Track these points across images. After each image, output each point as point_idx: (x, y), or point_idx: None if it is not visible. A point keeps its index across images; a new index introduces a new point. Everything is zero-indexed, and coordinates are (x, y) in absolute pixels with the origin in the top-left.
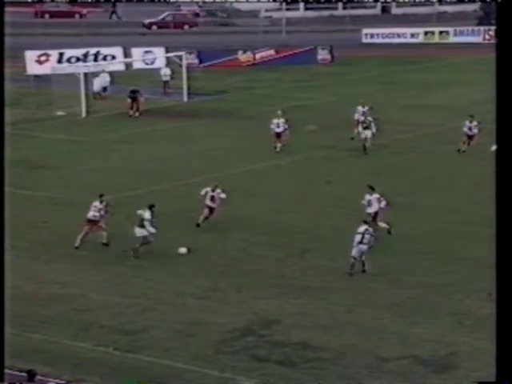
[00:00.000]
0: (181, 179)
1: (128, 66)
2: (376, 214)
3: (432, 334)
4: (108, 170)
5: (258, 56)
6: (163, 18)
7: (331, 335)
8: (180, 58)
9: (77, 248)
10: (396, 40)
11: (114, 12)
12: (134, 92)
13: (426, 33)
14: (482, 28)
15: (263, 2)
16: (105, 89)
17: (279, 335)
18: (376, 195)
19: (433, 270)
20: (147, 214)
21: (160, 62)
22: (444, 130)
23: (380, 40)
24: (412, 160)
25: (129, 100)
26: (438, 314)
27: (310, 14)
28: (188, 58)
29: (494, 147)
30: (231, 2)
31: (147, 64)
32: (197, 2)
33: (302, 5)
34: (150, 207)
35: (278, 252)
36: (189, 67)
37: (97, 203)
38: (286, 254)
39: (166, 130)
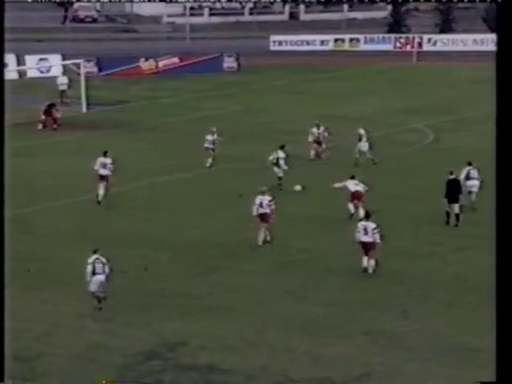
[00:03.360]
0: (80, 195)
1: (21, 74)
2: None
3: (344, 354)
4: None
5: (160, 64)
6: None
7: (239, 357)
8: (78, 65)
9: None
10: (305, 47)
11: (66, 17)
12: (49, 106)
13: (335, 40)
14: (392, 36)
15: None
16: None
17: (186, 358)
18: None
19: (345, 288)
20: (281, 153)
21: (56, 71)
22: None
23: (289, 47)
24: (325, 173)
25: (43, 116)
26: (350, 333)
27: (215, 19)
28: (86, 66)
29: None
30: (133, 2)
31: (42, 72)
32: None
33: (206, 10)
34: (282, 147)
35: (184, 270)
36: (87, 76)
37: None
38: (192, 271)
39: (64, 142)
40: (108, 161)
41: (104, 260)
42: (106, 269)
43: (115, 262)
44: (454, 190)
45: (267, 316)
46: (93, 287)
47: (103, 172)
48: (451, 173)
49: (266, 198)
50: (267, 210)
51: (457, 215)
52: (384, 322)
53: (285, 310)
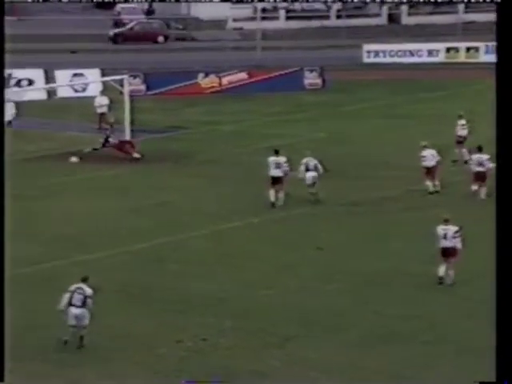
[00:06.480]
0: (119, 245)
1: (51, 93)
2: None
3: None
4: (17, 235)
5: (224, 80)
6: None
7: None
8: (121, 83)
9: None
10: (408, 59)
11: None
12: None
13: (448, 49)
14: None
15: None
16: (9, 123)
17: None
18: None
19: (409, 361)
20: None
21: (94, 89)
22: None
23: (387, 59)
24: (430, 218)
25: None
26: None
27: (293, 24)
28: (132, 84)
29: None
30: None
31: (77, 91)
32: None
33: (282, 13)
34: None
35: (252, 341)
36: (132, 95)
37: None
38: (262, 343)
39: (101, 178)
40: (282, 159)
41: (88, 292)
42: (89, 302)
43: (167, 331)
44: None
45: None
46: (70, 321)
47: (275, 173)
48: None
49: (451, 229)
50: (452, 244)
51: None
52: None
53: None
